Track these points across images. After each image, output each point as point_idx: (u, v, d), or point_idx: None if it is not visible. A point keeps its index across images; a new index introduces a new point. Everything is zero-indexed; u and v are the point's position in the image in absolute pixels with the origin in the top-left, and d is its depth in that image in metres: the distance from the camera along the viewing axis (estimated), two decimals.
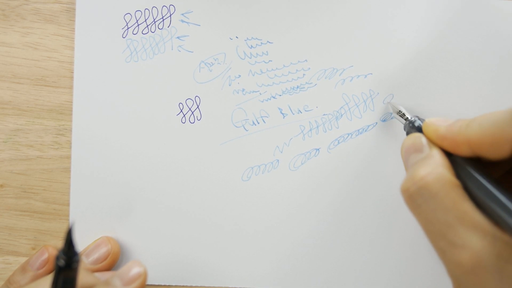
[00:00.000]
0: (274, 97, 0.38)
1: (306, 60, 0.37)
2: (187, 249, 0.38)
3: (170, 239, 0.38)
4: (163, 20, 0.38)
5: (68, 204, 0.39)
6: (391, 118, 0.37)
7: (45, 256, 0.37)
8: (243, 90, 0.38)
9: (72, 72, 0.38)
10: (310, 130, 0.38)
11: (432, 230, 0.28)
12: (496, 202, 0.27)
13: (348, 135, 0.38)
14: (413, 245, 0.38)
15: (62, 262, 0.26)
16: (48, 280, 0.32)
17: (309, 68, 0.38)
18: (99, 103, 0.38)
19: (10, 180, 0.39)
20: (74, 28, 0.38)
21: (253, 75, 0.38)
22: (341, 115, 0.38)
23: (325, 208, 0.38)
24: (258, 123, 0.38)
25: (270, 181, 0.38)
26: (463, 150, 0.29)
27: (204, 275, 0.38)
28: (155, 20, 0.38)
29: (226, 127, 0.38)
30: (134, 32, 0.38)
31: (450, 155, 0.30)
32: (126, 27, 0.38)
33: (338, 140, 0.38)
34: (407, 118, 0.35)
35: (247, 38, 0.37)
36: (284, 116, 0.38)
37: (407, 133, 0.34)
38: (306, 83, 0.38)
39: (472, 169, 0.29)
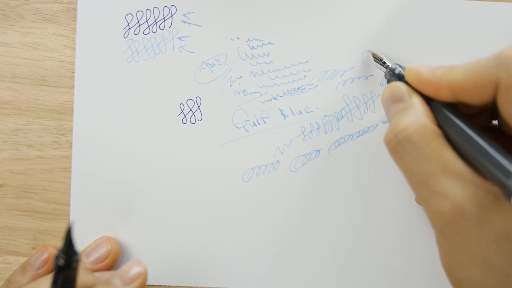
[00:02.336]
0: (275, 98, 0.38)
1: (307, 61, 0.38)
2: (187, 249, 0.38)
3: (170, 239, 0.38)
4: (165, 20, 0.38)
5: (68, 204, 0.38)
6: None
7: (45, 255, 0.37)
8: (244, 91, 0.38)
9: (72, 72, 0.38)
10: (311, 131, 0.38)
11: (415, 180, 0.28)
12: (477, 149, 0.27)
13: (349, 136, 0.38)
14: (414, 245, 0.38)
15: (61, 262, 0.26)
16: (48, 280, 0.32)
17: (310, 70, 0.38)
18: (100, 103, 0.38)
19: (10, 180, 0.39)
20: (74, 28, 0.38)
21: (254, 76, 0.38)
22: (342, 117, 0.38)
23: (326, 209, 0.38)
24: (259, 124, 0.38)
25: (270, 182, 0.38)
26: (445, 95, 0.29)
27: (204, 275, 0.38)
28: (157, 21, 0.38)
29: (227, 128, 0.38)
30: (136, 33, 0.38)
31: (430, 102, 0.30)
32: (127, 28, 0.38)
33: (339, 142, 0.38)
34: (388, 66, 0.35)
35: (249, 39, 0.38)
36: (285, 117, 0.38)
37: (388, 82, 0.34)
38: (307, 84, 0.38)
39: (453, 116, 0.29)
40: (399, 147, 0.29)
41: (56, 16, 0.38)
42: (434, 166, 0.27)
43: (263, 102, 0.38)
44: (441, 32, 0.37)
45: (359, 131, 0.38)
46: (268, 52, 0.38)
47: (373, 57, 0.36)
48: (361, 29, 0.37)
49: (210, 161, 0.38)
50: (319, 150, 0.38)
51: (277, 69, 0.38)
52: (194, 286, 0.38)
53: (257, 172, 0.38)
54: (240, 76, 0.38)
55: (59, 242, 0.38)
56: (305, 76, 0.38)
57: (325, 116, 0.38)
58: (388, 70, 0.34)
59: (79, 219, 0.38)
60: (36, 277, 0.36)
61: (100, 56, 0.38)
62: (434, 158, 0.27)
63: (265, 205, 0.38)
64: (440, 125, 0.29)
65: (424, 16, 0.37)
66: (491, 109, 0.31)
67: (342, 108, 0.38)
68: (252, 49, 0.38)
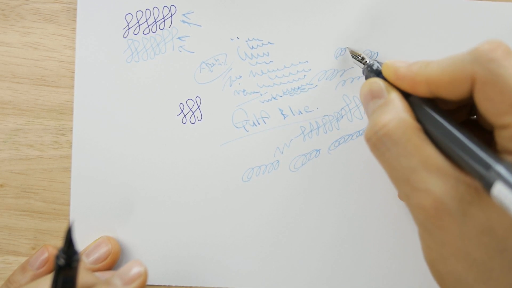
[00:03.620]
0: (274, 98, 0.38)
1: (307, 61, 0.38)
2: (188, 249, 0.38)
3: (171, 239, 0.38)
4: (164, 20, 0.38)
5: (68, 204, 0.38)
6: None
7: (45, 255, 0.37)
8: (244, 90, 0.38)
9: (72, 72, 0.38)
10: (311, 131, 0.38)
11: (396, 176, 0.28)
12: (456, 143, 0.27)
13: (349, 136, 0.38)
14: (415, 245, 0.38)
15: (62, 261, 0.26)
16: (48, 280, 0.32)
17: (310, 69, 0.38)
18: (100, 103, 0.38)
19: (10, 180, 0.39)
20: (74, 28, 0.38)
21: (254, 76, 0.38)
22: (342, 116, 0.38)
23: (326, 209, 0.38)
24: (259, 123, 0.38)
25: (270, 182, 0.38)
26: (422, 90, 0.29)
27: (204, 275, 0.38)
28: (156, 21, 0.38)
29: (227, 127, 0.38)
30: (135, 32, 0.38)
31: (408, 98, 0.30)
32: (127, 27, 0.38)
33: (339, 141, 0.38)
34: (366, 62, 0.35)
35: (248, 39, 0.38)
36: (284, 117, 0.38)
37: (366, 78, 0.34)
38: (307, 84, 0.38)
39: (432, 110, 0.29)
40: (379, 143, 0.29)
41: (56, 16, 0.38)
42: (414, 161, 0.27)
43: (263, 102, 0.38)
44: (441, 32, 0.37)
45: (359, 131, 0.38)
46: (268, 52, 0.38)
47: (351, 54, 0.36)
48: (361, 29, 0.37)
49: (210, 161, 0.38)
50: (319, 150, 0.38)
51: (277, 69, 0.38)
52: (194, 286, 0.38)
53: (257, 172, 0.38)
54: (240, 76, 0.38)
55: (59, 242, 0.38)
56: (305, 76, 0.38)
57: (325, 116, 0.38)
58: (366, 66, 0.34)
59: (79, 219, 0.38)
60: (36, 277, 0.36)
61: (100, 56, 0.38)
62: (414, 153, 0.27)
63: (265, 205, 0.38)
64: (419, 120, 0.29)
65: (425, 16, 0.37)
66: (469, 104, 0.31)
67: (342, 108, 0.38)
68: (251, 49, 0.38)
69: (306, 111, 0.38)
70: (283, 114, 0.38)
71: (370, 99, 0.31)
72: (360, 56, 0.35)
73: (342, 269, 0.38)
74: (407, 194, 0.28)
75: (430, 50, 0.37)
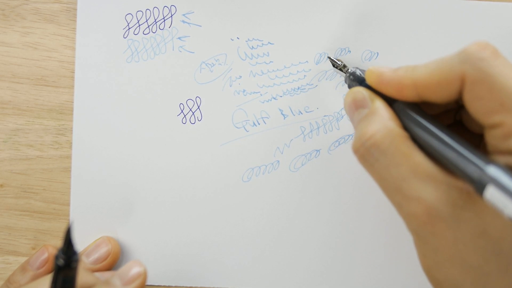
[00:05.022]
0: (275, 98, 0.38)
1: (307, 61, 0.38)
2: (187, 249, 0.38)
3: (170, 239, 0.38)
4: (164, 20, 0.38)
5: (68, 204, 0.39)
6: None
7: (45, 255, 0.37)
8: (244, 91, 0.38)
9: (72, 72, 0.38)
10: (311, 131, 0.38)
11: (387, 187, 0.28)
12: (445, 147, 0.27)
13: (349, 136, 0.38)
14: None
15: (61, 262, 0.26)
16: (48, 280, 0.32)
17: (310, 69, 0.38)
18: (100, 103, 0.38)
19: (10, 180, 0.39)
20: (74, 28, 0.38)
21: (254, 76, 0.38)
22: (342, 117, 0.38)
23: (325, 209, 0.38)
24: (259, 124, 0.38)
25: (270, 182, 0.38)
26: (409, 94, 0.29)
27: (204, 275, 0.38)
28: (156, 21, 0.38)
29: (227, 127, 0.38)
30: (135, 33, 0.38)
31: (393, 104, 0.30)
32: (127, 27, 0.38)
33: (339, 142, 0.38)
34: (348, 70, 0.34)
35: (248, 39, 0.38)
36: (284, 117, 0.38)
37: (349, 86, 0.34)
38: (307, 84, 0.38)
39: (418, 115, 0.28)
40: (367, 155, 0.29)
41: (56, 16, 0.38)
42: (404, 170, 0.27)
43: (263, 102, 0.38)
44: (442, 32, 0.37)
45: None
46: (268, 52, 0.38)
47: (332, 63, 0.36)
48: (362, 29, 0.37)
49: (210, 161, 0.38)
50: (319, 150, 0.38)
51: (277, 69, 0.38)
52: (194, 286, 0.38)
53: (257, 172, 0.38)
54: (240, 76, 0.38)
55: (59, 242, 0.38)
56: (305, 76, 0.38)
57: (325, 116, 0.38)
58: (347, 74, 0.33)
59: (79, 219, 0.38)
60: (36, 277, 0.36)
61: (100, 56, 0.38)
62: (403, 162, 0.27)
63: (265, 205, 0.38)
64: (405, 127, 0.29)
65: (425, 16, 0.37)
66: (454, 108, 0.31)
67: (342, 108, 0.38)
68: (252, 49, 0.38)
69: (306, 111, 0.38)
70: (283, 114, 0.38)
71: (355, 109, 0.31)
72: (341, 65, 0.35)
73: (342, 269, 0.38)
74: (399, 203, 0.28)
75: (430, 50, 0.37)
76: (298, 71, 0.38)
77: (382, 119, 0.29)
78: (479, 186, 0.25)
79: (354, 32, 0.37)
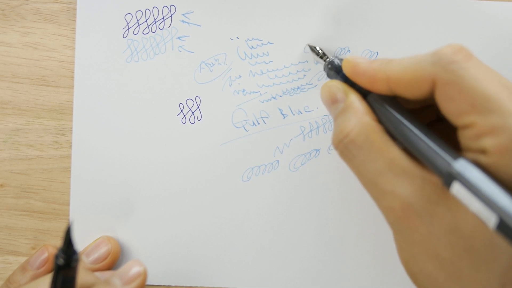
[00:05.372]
0: (274, 98, 0.38)
1: (306, 61, 0.38)
2: (187, 249, 0.38)
3: (170, 239, 0.38)
4: (164, 20, 0.38)
5: (68, 204, 0.39)
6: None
7: (45, 255, 0.37)
8: (244, 90, 0.38)
9: (72, 72, 0.38)
10: (311, 131, 0.38)
11: (365, 181, 0.29)
12: (415, 141, 0.27)
13: None
14: None
15: (61, 261, 0.26)
16: (47, 279, 0.32)
17: (310, 69, 0.38)
18: (99, 103, 0.38)
19: (10, 180, 0.39)
20: (74, 28, 0.38)
21: (254, 76, 0.38)
22: None
23: (325, 209, 0.38)
24: (259, 123, 0.38)
25: (270, 181, 0.38)
26: (381, 87, 0.29)
27: (204, 275, 0.38)
28: (156, 20, 0.38)
29: (227, 127, 0.38)
30: (135, 32, 0.38)
31: (367, 95, 0.30)
32: (126, 27, 0.38)
33: None
34: (327, 59, 0.34)
35: (248, 39, 0.38)
36: (284, 117, 0.38)
37: (327, 75, 0.34)
38: (307, 84, 0.38)
39: (391, 109, 0.29)
40: (346, 151, 0.29)
41: (56, 16, 0.38)
42: (380, 165, 0.28)
43: (263, 102, 0.38)
44: (442, 32, 0.37)
45: None
46: (267, 52, 0.38)
47: (312, 50, 0.36)
48: (362, 29, 0.37)
49: (209, 160, 0.38)
50: (318, 150, 0.38)
51: (277, 69, 0.38)
52: (194, 286, 0.38)
53: (256, 172, 0.38)
54: (240, 76, 0.38)
55: (59, 242, 0.38)
56: (304, 75, 0.38)
57: (324, 115, 0.38)
58: (326, 63, 0.34)
59: (79, 219, 0.38)
60: (36, 277, 0.36)
61: (99, 56, 0.38)
62: (379, 157, 0.28)
63: (265, 205, 0.38)
64: (379, 119, 0.29)
65: (425, 16, 0.37)
66: (435, 103, 0.31)
67: None
68: (251, 48, 0.38)
69: (306, 111, 0.38)
70: (282, 114, 0.38)
71: (331, 104, 0.31)
72: (320, 53, 0.35)
73: (342, 269, 0.38)
74: (376, 198, 0.28)
75: (430, 50, 0.37)
76: (297, 71, 0.38)
77: (357, 114, 0.29)
78: (447, 180, 0.25)
79: (353, 31, 0.37)
